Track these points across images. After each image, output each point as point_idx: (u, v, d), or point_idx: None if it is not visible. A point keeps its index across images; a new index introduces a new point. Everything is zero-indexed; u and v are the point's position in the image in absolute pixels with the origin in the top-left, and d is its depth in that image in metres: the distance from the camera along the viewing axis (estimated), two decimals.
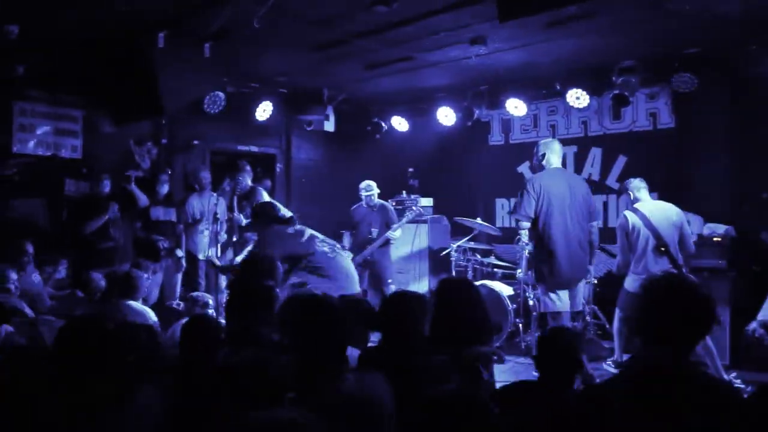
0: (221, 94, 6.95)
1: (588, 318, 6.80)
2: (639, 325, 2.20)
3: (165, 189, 7.41)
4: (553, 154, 5.57)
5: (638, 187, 5.87)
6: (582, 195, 5.50)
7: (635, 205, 5.78)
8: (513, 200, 8.64)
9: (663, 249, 5.48)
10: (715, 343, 5.96)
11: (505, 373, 5.61)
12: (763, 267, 6.11)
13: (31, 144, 6.95)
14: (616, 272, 5.95)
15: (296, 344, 2.41)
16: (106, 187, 6.92)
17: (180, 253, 7.30)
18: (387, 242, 7.52)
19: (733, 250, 6.19)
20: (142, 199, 7.10)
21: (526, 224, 5.43)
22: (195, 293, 5.46)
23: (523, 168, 8.59)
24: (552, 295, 5.39)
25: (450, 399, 1.69)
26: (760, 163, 6.43)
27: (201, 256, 7.43)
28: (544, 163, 5.57)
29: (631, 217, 5.68)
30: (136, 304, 4.85)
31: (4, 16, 5.45)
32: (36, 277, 5.76)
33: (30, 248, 5.76)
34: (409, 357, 2.89)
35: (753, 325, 5.41)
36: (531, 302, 6.85)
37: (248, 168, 7.40)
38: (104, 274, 5.64)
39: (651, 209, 5.69)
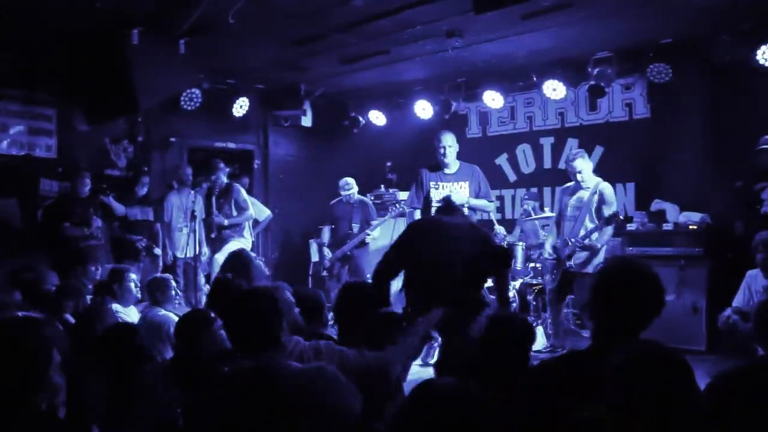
0: (197, 91, 6.90)
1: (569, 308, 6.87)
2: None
3: (144, 189, 7.36)
4: None
5: None
6: None
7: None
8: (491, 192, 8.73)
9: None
10: (691, 329, 6.09)
11: None
12: (737, 255, 6.20)
13: (5, 143, 6.85)
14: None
15: None
16: (87, 186, 6.80)
17: (158, 251, 7.24)
18: (364, 241, 7.53)
19: (708, 238, 6.29)
20: (119, 209, 7.04)
21: None
22: None
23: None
24: None
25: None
26: (734, 152, 6.52)
27: (179, 254, 7.39)
28: None
29: None
30: (122, 308, 4.83)
31: None
32: None
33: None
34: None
35: (727, 311, 5.50)
36: (511, 293, 6.90)
37: (222, 165, 7.34)
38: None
39: None
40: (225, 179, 7.34)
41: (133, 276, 5.17)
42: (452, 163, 6.06)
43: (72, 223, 6.48)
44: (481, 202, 6.01)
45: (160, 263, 7.33)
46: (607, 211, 5.81)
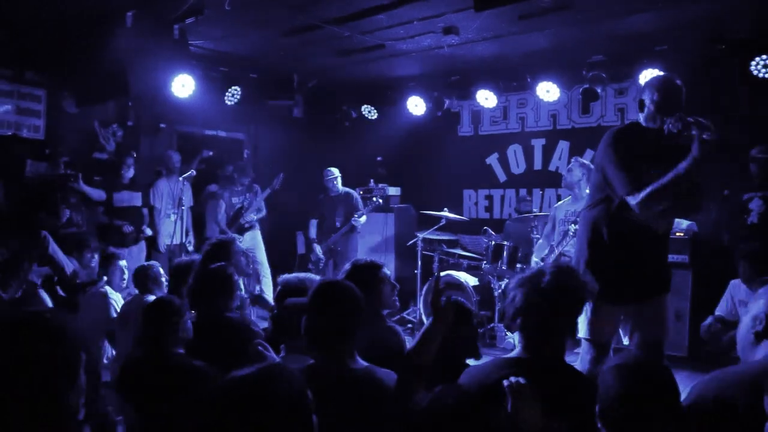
0: (190, 78, 6.80)
1: None
2: None
3: (131, 173, 7.27)
4: None
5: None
6: None
7: None
8: (480, 191, 8.75)
9: None
10: (674, 335, 6.12)
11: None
12: (722, 264, 6.25)
13: None
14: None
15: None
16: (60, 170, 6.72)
17: (144, 235, 7.20)
18: (352, 230, 7.51)
19: (694, 246, 6.33)
20: (95, 194, 6.97)
21: None
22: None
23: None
24: None
25: None
26: (722, 161, 6.56)
27: (166, 241, 7.35)
28: None
29: None
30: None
31: None
32: None
33: None
34: None
35: (709, 320, 5.55)
36: (496, 293, 6.92)
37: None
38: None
39: None
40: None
41: (123, 262, 5.14)
42: None
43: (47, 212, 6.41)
44: None
45: (144, 250, 7.28)
46: None
